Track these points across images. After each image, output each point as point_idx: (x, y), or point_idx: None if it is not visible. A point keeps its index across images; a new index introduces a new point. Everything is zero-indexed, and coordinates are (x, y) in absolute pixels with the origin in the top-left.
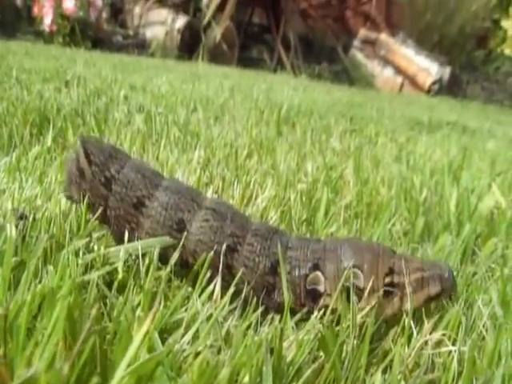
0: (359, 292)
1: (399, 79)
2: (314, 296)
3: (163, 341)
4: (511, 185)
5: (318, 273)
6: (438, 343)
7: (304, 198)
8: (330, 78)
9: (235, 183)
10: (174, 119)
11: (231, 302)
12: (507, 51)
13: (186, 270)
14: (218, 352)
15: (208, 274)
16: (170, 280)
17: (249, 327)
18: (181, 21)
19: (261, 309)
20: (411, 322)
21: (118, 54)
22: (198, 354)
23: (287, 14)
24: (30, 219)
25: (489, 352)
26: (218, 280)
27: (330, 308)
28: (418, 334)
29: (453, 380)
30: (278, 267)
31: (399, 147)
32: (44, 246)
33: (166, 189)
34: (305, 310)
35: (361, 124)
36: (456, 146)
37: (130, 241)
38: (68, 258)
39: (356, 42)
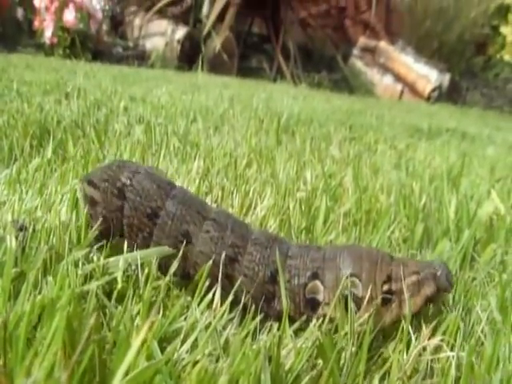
0: (358, 301)
1: (399, 87)
2: (313, 305)
3: (162, 349)
4: (510, 191)
5: (317, 282)
6: (437, 349)
7: (303, 206)
8: (330, 87)
9: (234, 192)
10: (173, 130)
11: (230, 310)
12: (506, 57)
13: (186, 281)
14: (217, 360)
15: (207, 283)
16: (169, 289)
17: (247, 335)
18: (181, 31)
19: (259, 317)
20: (409, 327)
21: (118, 66)
22: (196, 362)
23: (286, 24)
24: (30, 230)
25: (487, 357)
26: (218, 289)
27: (327, 317)
28: (416, 339)
29: None
30: (277, 276)
31: (399, 154)
32: (44, 257)
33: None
34: (303, 318)
35: (360, 132)
36: (455, 153)
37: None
38: (67, 269)
39: (355, 50)
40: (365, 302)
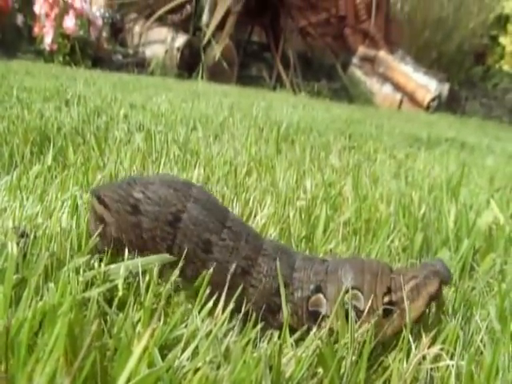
0: (360, 314)
1: (398, 96)
2: (316, 318)
3: (163, 357)
4: (509, 201)
5: (320, 295)
6: (436, 358)
7: (303, 215)
8: (329, 96)
9: (235, 201)
10: (173, 137)
11: (230, 318)
12: (505, 67)
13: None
14: (218, 368)
15: (207, 291)
16: (169, 296)
17: (248, 343)
18: (180, 39)
19: (260, 325)
20: (409, 336)
21: (118, 73)
22: (197, 369)
23: (286, 33)
24: (31, 237)
25: (486, 366)
26: (223, 296)
27: (327, 328)
28: (416, 348)
29: None
30: (285, 289)
31: (398, 164)
32: (45, 263)
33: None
34: (304, 327)
35: (360, 141)
36: (455, 162)
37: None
38: (69, 276)
39: (355, 60)
40: (366, 314)
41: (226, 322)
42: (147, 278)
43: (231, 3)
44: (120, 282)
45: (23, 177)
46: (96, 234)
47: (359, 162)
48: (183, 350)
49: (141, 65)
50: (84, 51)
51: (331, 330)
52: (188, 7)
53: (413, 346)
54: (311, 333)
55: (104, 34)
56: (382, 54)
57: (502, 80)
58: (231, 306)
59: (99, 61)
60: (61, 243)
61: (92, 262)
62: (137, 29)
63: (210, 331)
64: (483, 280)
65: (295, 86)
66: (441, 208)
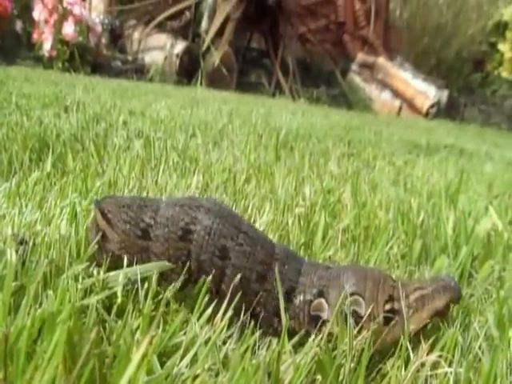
0: (360, 319)
1: (397, 103)
2: (317, 322)
3: (162, 364)
4: (508, 207)
5: (322, 300)
6: (435, 365)
7: (302, 222)
8: (328, 102)
9: (233, 207)
10: (172, 144)
11: (229, 325)
12: (504, 74)
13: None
14: (216, 375)
15: (206, 298)
16: (168, 304)
17: (246, 350)
18: (180, 46)
19: (258, 332)
20: (408, 344)
21: (117, 79)
22: (196, 376)
23: (285, 39)
24: (30, 244)
25: (485, 373)
26: (224, 303)
27: (326, 333)
28: (414, 355)
29: None
30: (291, 293)
31: (397, 170)
32: (44, 270)
33: None
34: (302, 332)
35: (359, 148)
36: (453, 169)
37: None
38: (67, 283)
39: (354, 66)
40: (366, 320)
41: (224, 329)
42: (146, 285)
43: (230, 10)
44: (119, 290)
45: (22, 184)
46: (94, 243)
47: (358, 168)
48: (182, 358)
49: (140, 71)
50: (83, 57)
51: (331, 335)
52: (187, 14)
53: (411, 353)
54: (310, 339)
55: (103, 41)
56: (381, 60)
57: (500, 86)
58: (230, 312)
59: (98, 67)
60: (60, 250)
61: (91, 269)
62: (136, 35)
63: (209, 338)
64: (481, 287)
65: (294, 92)
66: (439, 215)
